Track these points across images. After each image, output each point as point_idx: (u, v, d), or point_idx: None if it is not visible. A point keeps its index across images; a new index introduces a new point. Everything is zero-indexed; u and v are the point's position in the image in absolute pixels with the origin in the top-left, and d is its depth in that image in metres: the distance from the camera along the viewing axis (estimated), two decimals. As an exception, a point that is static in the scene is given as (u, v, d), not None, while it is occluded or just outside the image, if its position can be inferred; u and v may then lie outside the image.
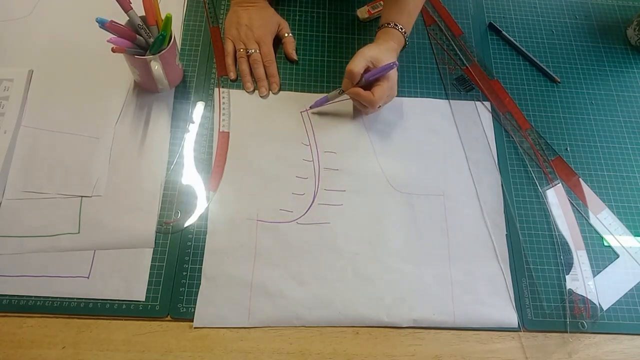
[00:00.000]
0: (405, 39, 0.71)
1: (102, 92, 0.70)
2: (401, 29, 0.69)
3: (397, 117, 0.73)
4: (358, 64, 0.64)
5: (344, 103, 0.73)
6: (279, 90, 0.73)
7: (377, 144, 0.71)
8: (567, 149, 0.74)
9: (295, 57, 0.76)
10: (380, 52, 0.66)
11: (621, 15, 0.87)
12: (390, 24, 0.69)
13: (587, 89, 0.80)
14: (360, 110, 0.71)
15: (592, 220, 0.69)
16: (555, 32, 0.84)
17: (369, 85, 0.66)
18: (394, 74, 0.67)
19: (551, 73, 0.80)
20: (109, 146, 0.67)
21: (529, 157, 0.73)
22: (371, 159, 0.70)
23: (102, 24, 0.60)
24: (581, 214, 0.69)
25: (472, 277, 0.64)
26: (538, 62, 0.80)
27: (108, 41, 0.60)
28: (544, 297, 0.64)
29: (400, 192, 0.68)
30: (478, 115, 0.75)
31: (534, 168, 0.72)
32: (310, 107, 0.72)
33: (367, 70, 0.66)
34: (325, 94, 0.71)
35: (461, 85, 0.77)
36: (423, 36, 0.81)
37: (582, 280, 0.65)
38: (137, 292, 0.59)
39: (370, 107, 0.67)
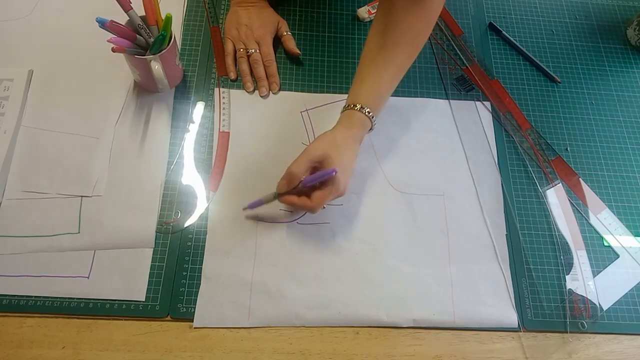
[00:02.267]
0: (373, 122, 0.63)
1: (102, 92, 0.70)
2: (368, 112, 0.61)
3: (397, 117, 0.73)
4: (300, 165, 0.58)
5: (343, 104, 0.73)
6: (279, 90, 0.73)
7: (377, 144, 0.71)
8: (567, 149, 0.74)
9: (297, 50, 0.75)
10: (333, 147, 0.59)
11: (621, 15, 0.87)
12: (356, 106, 0.61)
13: (587, 89, 0.80)
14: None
15: (592, 220, 0.69)
16: (555, 32, 0.84)
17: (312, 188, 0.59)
18: (340, 175, 0.58)
19: (551, 73, 0.80)
20: (109, 146, 0.67)
21: (529, 157, 0.73)
22: (371, 159, 0.70)
23: (102, 24, 0.60)
24: (581, 214, 0.69)
25: (472, 277, 0.64)
26: (538, 62, 0.80)
27: (108, 41, 0.60)
28: (544, 297, 0.64)
29: (400, 192, 0.68)
30: (478, 115, 0.75)
31: (534, 168, 0.72)
32: (244, 209, 0.64)
33: (313, 169, 0.60)
34: (259, 198, 0.63)
35: (461, 85, 0.77)
36: (423, 36, 0.81)
37: (582, 280, 0.65)
38: (137, 292, 0.59)
39: (310, 212, 0.61)
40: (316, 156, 0.58)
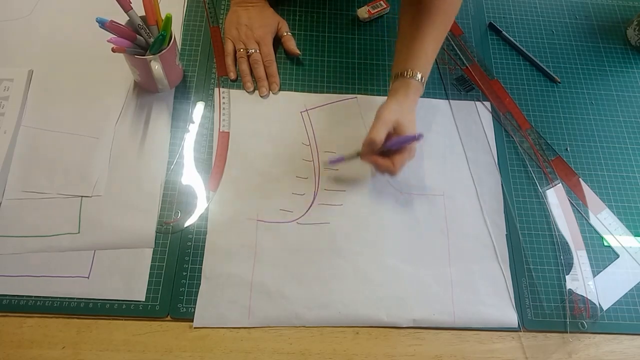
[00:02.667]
0: (424, 88, 0.65)
1: (102, 92, 0.70)
2: (421, 78, 0.63)
3: (397, 117, 0.73)
4: (380, 131, 0.60)
5: (343, 104, 0.73)
6: (279, 90, 0.73)
7: (377, 144, 0.71)
8: (567, 149, 0.74)
9: (297, 51, 0.75)
10: (402, 114, 0.61)
11: (621, 15, 0.87)
12: (407, 74, 0.63)
13: (587, 89, 0.80)
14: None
15: (592, 220, 0.69)
16: (555, 32, 0.84)
17: (388, 151, 0.62)
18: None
19: (551, 73, 0.80)
20: (109, 146, 0.67)
21: (529, 157, 0.73)
22: (371, 159, 0.70)
23: (102, 24, 0.60)
24: (581, 214, 0.69)
25: (472, 277, 0.64)
26: (538, 62, 0.80)
27: (108, 41, 0.60)
28: (544, 297, 0.64)
29: (401, 192, 0.68)
30: (478, 115, 0.75)
31: (534, 168, 0.72)
32: (326, 165, 0.68)
33: (388, 135, 0.61)
34: (341, 155, 0.66)
35: (461, 85, 0.77)
36: (423, 36, 0.81)
37: (582, 280, 0.65)
38: (137, 292, 0.59)
39: (390, 174, 0.63)
40: (392, 121, 0.60)
